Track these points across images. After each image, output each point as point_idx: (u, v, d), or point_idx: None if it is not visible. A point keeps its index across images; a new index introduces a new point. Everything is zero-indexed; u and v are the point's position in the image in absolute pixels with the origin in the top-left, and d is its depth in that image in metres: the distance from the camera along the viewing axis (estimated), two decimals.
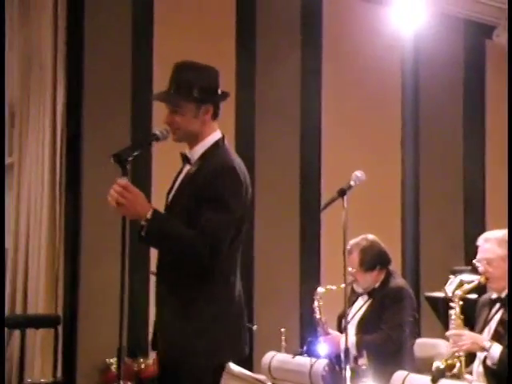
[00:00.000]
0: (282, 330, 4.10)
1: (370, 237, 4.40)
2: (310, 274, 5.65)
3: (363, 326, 4.19)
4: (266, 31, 6.05)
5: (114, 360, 5.09)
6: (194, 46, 5.54)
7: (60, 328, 5.11)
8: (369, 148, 6.39)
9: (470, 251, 6.60)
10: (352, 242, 4.21)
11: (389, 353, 4.04)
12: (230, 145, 2.97)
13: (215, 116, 2.88)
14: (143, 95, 5.48)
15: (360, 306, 4.30)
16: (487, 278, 3.69)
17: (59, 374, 5.15)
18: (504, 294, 3.64)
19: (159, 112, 5.19)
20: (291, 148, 6.10)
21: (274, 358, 3.85)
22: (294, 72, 6.18)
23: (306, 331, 5.54)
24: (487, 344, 3.45)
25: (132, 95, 5.51)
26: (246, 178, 2.84)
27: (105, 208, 5.12)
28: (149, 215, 2.67)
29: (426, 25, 6.11)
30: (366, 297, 4.32)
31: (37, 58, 5.66)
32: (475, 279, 3.82)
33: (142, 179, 5.30)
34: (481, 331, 3.62)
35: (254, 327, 4.37)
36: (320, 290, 4.17)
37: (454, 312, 3.57)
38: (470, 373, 3.57)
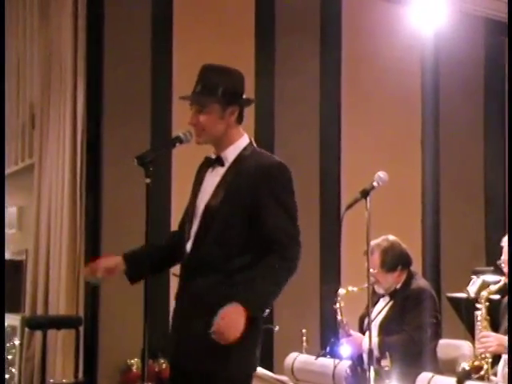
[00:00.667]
0: (304, 330, 4.10)
1: (391, 237, 4.38)
2: (330, 275, 5.65)
3: (385, 328, 4.18)
4: (285, 32, 6.04)
5: (135, 360, 5.11)
6: (214, 47, 5.54)
7: (81, 329, 5.12)
8: (389, 148, 6.37)
9: (491, 251, 6.58)
10: (373, 242, 4.19)
11: (411, 354, 4.02)
12: None
13: (241, 120, 2.88)
14: (163, 96, 5.49)
15: (382, 308, 4.28)
16: None
17: (80, 374, 5.17)
18: None
19: (179, 113, 5.23)
20: (311, 149, 6.09)
21: (297, 359, 3.84)
22: (313, 73, 6.16)
23: (327, 332, 5.54)
24: None
25: (152, 96, 5.52)
26: None
27: (125, 208, 5.20)
28: (244, 316, 2.63)
29: (446, 24, 6.06)
30: (387, 298, 4.30)
31: (57, 60, 5.69)
32: (498, 280, 3.79)
33: (162, 181, 5.31)
34: (506, 333, 3.59)
35: (276, 328, 4.37)
36: (341, 291, 4.15)
37: (480, 313, 3.55)
38: (495, 374, 3.55)
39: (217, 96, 2.80)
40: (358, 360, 3.92)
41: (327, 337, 4.93)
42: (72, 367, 5.15)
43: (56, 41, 5.71)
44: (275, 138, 5.84)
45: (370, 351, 3.49)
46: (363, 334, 4.23)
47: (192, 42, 5.62)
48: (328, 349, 3.86)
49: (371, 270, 4.11)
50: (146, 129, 5.48)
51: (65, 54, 5.54)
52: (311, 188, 6.00)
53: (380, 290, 4.33)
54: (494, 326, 3.66)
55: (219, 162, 2.86)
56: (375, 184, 3.67)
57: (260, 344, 2.81)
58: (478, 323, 3.57)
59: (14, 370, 5.95)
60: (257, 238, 2.74)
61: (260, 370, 2.78)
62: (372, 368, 3.50)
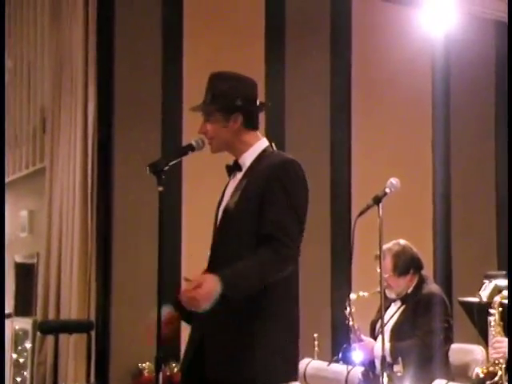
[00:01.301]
0: (315, 335, 4.10)
1: (402, 242, 4.38)
2: (341, 280, 5.63)
3: (397, 333, 4.17)
4: (295, 35, 6.03)
5: (146, 364, 5.12)
6: (224, 51, 5.55)
7: (93, 333, 5.13)
8: (399, 151, 6.36)
9: (503, 256, 6.57)
10: (384, 247, 4.18)
11: (423, 359, 4.01)
12: None
13: (250, 126, 2.85)
14: (173, 99, 5.49)
15: (393, 313, 4.28)
16: None
17: (92, 378, 5.18)
18: None
19: (189, 116, 5.23)
20: (321, 154, 6.08)
21: (309, 365, 3.84)
22: (324, 76, 6.15)
23: (338, 337, 5.53)
24: None
25: (162, 99, 5.53)
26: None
27: (136, 211, 5.21)
28: (220, 288, 2.56)
29: (456, 26, 6.05)
30: (398, 303, 4.30)
31: (68, 64, 5.71)
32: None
33: (172, 187, 5.31)
34: None
35: None
36: (352, 296, 4.15)
37: (494, 319, 3.53)
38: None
39: (218, 104, 2.82)
40: (370, 365, 3.92)
41: (339, 342, 4.92)
42: (84, 371, 5.16)
43: (67, 45, 5.73)
44: (286, 141, 5.84)
45: (383, 357, 3.49)
46: (375, 339, 4.23)
47: (202, 45, 5.63)
48: (340, 355, 3.86)
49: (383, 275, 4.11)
50: (157, 132, 5.49)
51: (75, 58, 5.55)
52: (322, 193, 5.99)
53: (391, 295, 4.33)
54: (508, 332, 3.64)
55: (237, 167, 2.87)
56: (387, 190, 3.68)
57: (295, 353, 2.76)
58: (492, 329, 3.54)
59: (25, 373, 5.98)
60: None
61: None
62: (385, 374, 3.50)
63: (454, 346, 4.29)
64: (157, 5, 5.54)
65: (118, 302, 5.26)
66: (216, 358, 2.70)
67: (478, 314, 3.98)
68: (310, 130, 6.04)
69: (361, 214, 3.63)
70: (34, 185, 6.49)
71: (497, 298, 3.59)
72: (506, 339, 3.49)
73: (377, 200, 3.61)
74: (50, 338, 5.37)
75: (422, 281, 4.32)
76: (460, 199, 6.67)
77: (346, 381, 3.48)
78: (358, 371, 3.56)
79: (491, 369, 3.35)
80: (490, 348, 3.51)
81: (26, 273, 6.58)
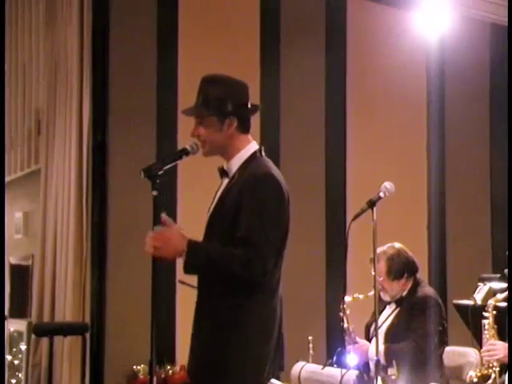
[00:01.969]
0: (310, 338, 4.10)
1: (397, 245, 4.39)
2: (336, 283, 5.64)
3: (391, 335, 4.17)
4: (290, 36, 6.03)
5: (141, 367, 5.12)
6: (219, 52, 5.55)
7: (88, 335, 5.13)
8: (394, 154, 6.37)
9: (498, 258, 6.59)
10: (379, 250, 4.18)
11: (417, 362, 4.02)
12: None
13: (243, 129, 2.87)
14: (168, 103, 5.49)
15: (388, 315, 4.28)
16: None
17: (87, 380, 5.18)
18: None
19: (184, 120, 5.23)
20: (316, 155, 6.09)
21: (304, 368, 3.84)
22: (319, 79, 6.16)
23: (333, 340, 5.54)
24: None
25: (157, 102, 5.53)
26: (285, 188, 2.81)
27: (131, 214, 5.21)
28: (185, 247, 2.66)
29: (452, 29, 6.06)
30: (393, 305, 4.30)
31: (63, 66, 5.70)
32: (505, 287, 3.79)
33: (167, 190, 5.31)
34: None
35: None
36: (347, 298, 4.15)
37: (488, 322, 3.54)
38: (503, 383, 3.54)
39: (213, 109, 2.81)
40: (364, 368, 3.92)
41: (333, 344, 4.93)
42: (79, 374, 5.16)
43: (62, 46, 5.73)
44: (280, 143, 5.85)
45: (378, 361, 3.49)
46: (369, 341, 4.23)
47: (197, 46, 5.63)
48: (335, 358, 3.86)
49: (377, 278, 4.12)
50: (152, 134, 5.49)
51: (70, 59, 5.55)
52: (317, 196, 6.00)
53: (386, 298, 4.34)
54: (502, 335, 3.66)
55: (225, 173, 2.88)
56: (382, 194, 3.69)
57: (272, 352, 2.78)
58: (486, 332, 3.56)
59: (20, 375, 5.97)
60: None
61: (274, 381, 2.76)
62: (379, 376, 3.50)
63: (448, 349, 4.30)
64: (152, 7, 5.54)
65: (113, 304, 5.25)
66: (196, 365, 2.79)
67: (473, 317, 3.99)
68: (305, 131, 6.04)
69: (355, 217, 3.64)
70: (29, 186, 6.49)
71: (491, 301, 3.61)
72: (500, 342, 3.50)
73: (371, 204, 3.62)
74: (45, 340, 5.37)
75: (416, 284, 4.32)
76: (454, 202, 6.68)
77: None
78: (352, 374, 3.56)
79: (485, 372, 3.37)
80: (483, 351, 3.52)
81: (20, 275, 6.58)
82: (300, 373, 3.85)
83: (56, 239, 5.62)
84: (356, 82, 6.31)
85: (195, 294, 2.88)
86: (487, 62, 6.92)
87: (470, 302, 4.17)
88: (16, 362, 6.08)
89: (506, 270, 3.87)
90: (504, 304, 3.83)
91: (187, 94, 4.56)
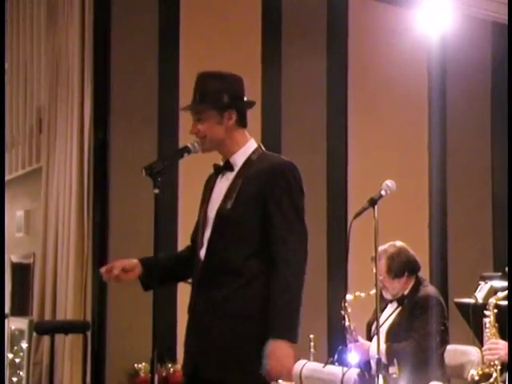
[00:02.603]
0: (311, 336, 4.10)
1: (398, 243, 4.38)
2: (337, 281, 5.63)
3: (392, 334, 4.17)
4: (291, 35, 6.03)
5: (142, 365, 5.12)
6: (220, 53, 5.54)
7: (89, 333, 5.13)
8: (395, 153, 6.36)
9: (499, 257, 6.58)
10: (380, 248, 4.18)
11: (419, 361, 4.01)
12: None
13: (242, 123, 2.87)
14: (170, 101, 5.49)
15: (389, 314, 4.28)
16: None
17: (88, 379, 5.18)
18: None
19: (186, 117, 5.23)
20: (317, 154, 6.09)
21: (305, 366, 3.84)
22: (320, 77, 6.16)
23: (334, 339, 5.54)
24: None
25: (159, 100, 5.52)
26: None
27: (132, 212, 5.21)
28: (291, 339, 2.67)
29: (453, 27, 6.06)
30: (395, 304, 4.30)
31: (64, 64, 5.70)
32: (506, 286, 3.79)
33: (168, 189, 5.31)
34: None
35: None
36: (348, 297, 4.15)
37: (489, 320, 3.53)
38: (504, 382, 3.54)
39: (211, 102, 2.82)
40: (365, 367, 3.92)
41: (335, 343, 4.93)
42: (80, 372, 5.16)
43: (63, 45, 5.73)
44: (282, 142, 5.84)
45: (379, 358, 3.49)
46: (370, 340, 4.23)
47: (198, 46, 5.62)
48: (336, 356, 3.86)
49: (378, 277, 4.11)
50: (153, 132, 5.49)
51: (72, 58, 5.55)
52: (319, 195, 6.00)
53: (387, 296, 4.33)
54: (503, 333, 3.65)
55: (228, 167, 2.87)
56: (383, 193, 3.68)
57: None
58: (487, 330, 3.55)
59: (21, 373, 5.98)
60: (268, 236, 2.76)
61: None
62: (380, 375, 3.50)
63: (449, 347, 4.29)
64: (153, 5, 5.53)
65: (114, 302, 5.25)
66: (212, 358, 2.74)
67: (474, 316, 3.99)
68: (307, 130, 6.04)
69: (356, 215, 3.63)
70: (30, 185, 6.49)
71: (492, 300, 3.60)
72: (501, 341, 3.50)
73: (372, 202, 3.62)
74: (46, 338, 5.37)
75: (418, 283, 4.32)
76: (456, 201, 6.68)
77: (342, 382, 3.48)
78: (353, 372, 3.56)
79: (486, 370, 3.36)
80: (484, 350, 3.52)
81: (21, 273, 6.59)
82: (301, 371, 3.85)
83: (57, 237, 5.62)
84: (357, 80, 6.30)
85: None
86: (488, 61, 6.91)
87: (472, 301, 4.17)
88: (17, 360, 6.09)
89: (507, 269, 3.86)
90: (505, 302, 3.83)
91: (189, 93, 4.53)
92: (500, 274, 4.53)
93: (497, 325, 3.55)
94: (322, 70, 6.16)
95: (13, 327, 6.21)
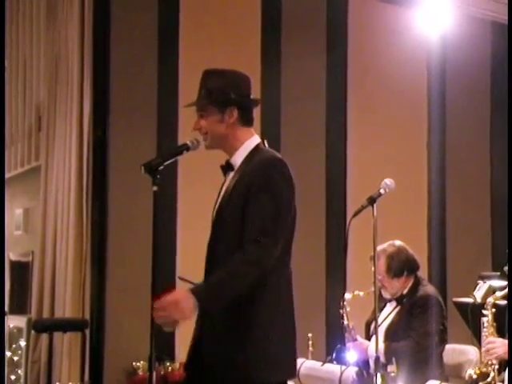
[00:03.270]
0: (310, 335, 4.10)
1: (397, 243, 4.38)
2: (336, 280, 5.64)
3: (391, 333, 4.17)
4: (291, 34, 6.03)
5: (141, 363, 5.12)
6: (220, 52, 5.54)
7: (87, 331, 5.13)
8: (394, 152, 6.36)
9: (498, 256, 6.58)
10: (379, 248, 4.18)
11: (417, 360, 4.02)
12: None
13: (245, 121, 2.86)
14: (169, 99, 5.49)
15: (388, 313, 4.28)
16: None
17: (86, 377, 5.17)
18: None
19: (185, 115, 5.23)
20: (317, 152, 6.09)
21: (303, 364, 3.85)
22: (319, 76, 6.15)
23: (332, 337, 5.53)
24: None
25: (158, 99, 5.52)
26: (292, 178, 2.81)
27: (131, 211, 5.21)
28: (194, 302, 2.58)
29: (452, 27, 6.05)
30: (394, 303, 4.30)
31: (63, 62, 5.70)
32: (505, 285, 3.79)
33: (167, 186, 5.31)
34: None
35: None
36: (347, 296, 4.15)
37: (487, 319, 3.54)
38: (502, 381, 3.54)
39: (214, 99, 2.82)
40: (363, 365, 3.92)
41: (333, 341, 4.92)
42: (78, 370, 5.16)
43: (63, 43, 5.73)
44: (281, 140, 5.84)
45: (377, 358, 3.49)
46: (369, 339, 4.23)
47: (198, 44, 5.62)
48: (334, 355, 3.86)
49: (377, 276, 4.11)
50: (153, 130, 5.49)
51: (71, 57, 5.55)
52: (317, 193, 6.00)
53: (386, 295, 4.33)
54: (501, 332, 3.65)
55: (230, 167, 2.87)
56: (382, 191, 3.69)
57: (291, 350, 2.77)
58: (485, 329, 3.56)
59: (20, 371, 5.97)
60: None
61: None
62: (378, 374, 3.50)
63: (447, 347, 4.30)
64: (153, 3, 5.53)
65: (113, 300, 5.25)
66: (212, 354, 2.72)
67: (472, 315, 3.99)
68: (306, 129, 6.04)
69: (355, 214, 3.64)
70: (29, 183, 6.49)
71: (490, 299, 3.60)
72: (499, 340, 3.50)
73: (371, 201, 3.62)
74: (45, 337, 5.37)
75: (417, 282, 4.32)
76: (455, 200, 6.68)
77: (340, 381, 3.48)
78: (351, 371, 3.56)
79: (484, 369, 3.36)
80: (482, 349, 3.52)
81: (20, 271, 6.58)
82: (300, 369, 3.85)
83: (56, 236, 5.62)
84: (357, 79, 6.30)
85: None
86: (488, 60, 6.92)
87: (470, 300, 4.16)
88: (15, 358, 6.08)
89: (506, 268, 3.86)
90: (503, 302, 3.83)
91: (188, 91, 4.54)
92: (499, 273, 4.51)
93: (495, 324, 3.56)
94: (321, 69, 6.15)
95: (11, 325, 6.21)
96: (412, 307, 4.19)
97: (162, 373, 5.11)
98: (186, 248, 5.38)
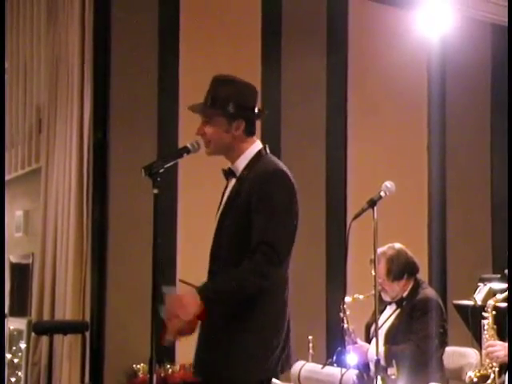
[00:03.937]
0: (310, 337, 4.10)
1: (397, 245, 4.38)
2: (336, 283, 5.64)
3: (391, 336, 4.17)
4: (291, 37, 6.03)
5: (141, 365, 5.12)
6: (220, 53, 5.54)
7: (88, 333, 5.13)
8: (395, 154, 6.37)
9: (498, 259, 6.59)
10: (379, 250, 4.18)
11: (418, 363, 4.01)
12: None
13: (249, 132, 2.87)
14: (169, 102, 5.49)
15: (388, 316, 4.28)
16: None
17: (87, 379, 5.18)
18: None
19: (185, 118, 5.24)
20: (317, 155, 6.09)
21: (304, 367, 3.85)
22: (320, 78, 6.16)
23: (333, 340, 5.53)
24: None
25: (158, 101, 5.52)
26: (294, 182, 2.81)
27: (131, 213, 5.21)
28: (199, 304, 2.63)
29: (453, 30, 6.06)
30: (394, 306, 4.30)
31: (64, 64, 5.70)
32: (505, 288, 3.79)
33: (168, 189, 5.31)
34: None
35: None
36: (347, 299, 4.15)
37: (487, 322, 3.53)
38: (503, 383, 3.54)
39: (223, 109, 2.82)
40: (363, 368, 3.92)
41: (333, 344, 4.93)
42: (78, 372, 5.16)
43: (63, 45, 5.73)
44: (281, 144, 5.84)
45: (378, 360, 3.49)
46: (369, 341, 4.23)
47: (198, 46, 5.62)
48: (334, 357, 3.86)
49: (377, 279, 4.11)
50: (153, 132, 5.49)
51: (72, 58, 5.55)
52: (317, 195, 6.00)
53: (386, 298, 4.33)
54: (501, 335, 3.65)
55: (232, 174, 2.88)
56: (382, 194, 3.68)
57: (278, 349, 2.77)
58: (485, 332, 3.55)
59: (20, 373, 5.97)
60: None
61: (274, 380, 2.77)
62: (379, 376, 3.50)
63: (448, 349, 4.30)
64: (153, 4, 5.53)
65: (113, 302, 5.25)
66: (204, 357, 2.80)
67: (473, 317, 3.98)
68: (306, 131, 6.04)
69: (355, 217, 3.63)
70: (29, 185, 6.49)
71: (490, 302, 3.60)
72: (499, 343, 3.50)
73: (372, 203, 3.62)
74: (45, 339, 5.37)
75: (417, 285, 4.32)
76: (455, 202, 6.68)
77: (340, 383, 3.48)
78: (352, 374, 3.57)
79: (484, 372, 3.36)
80: (482, 351, 3.52)
81: (20, 273, 6.58)
82: (300, 372, 3.85)
83: (56, 238, 5.61)
84: (357, 81, 6.30)
85: None
86: (488, 62, 6.92)
87: (470, 303, 4.16)
88: (16, 360, 6.08)
89: (507, 271, 3.86)
90: (503, 304, 3.83)
91: (188, 93, 4.55)
92: (499, 275, 4.52)
93: (495, 326, 3.56)
94: (321, 70, 6.16)
95: (11, 327, 6.21)
96: (412, 310, 4.18)
97: (163, 375, 5.10)
98: (186, 250, 5.38)
